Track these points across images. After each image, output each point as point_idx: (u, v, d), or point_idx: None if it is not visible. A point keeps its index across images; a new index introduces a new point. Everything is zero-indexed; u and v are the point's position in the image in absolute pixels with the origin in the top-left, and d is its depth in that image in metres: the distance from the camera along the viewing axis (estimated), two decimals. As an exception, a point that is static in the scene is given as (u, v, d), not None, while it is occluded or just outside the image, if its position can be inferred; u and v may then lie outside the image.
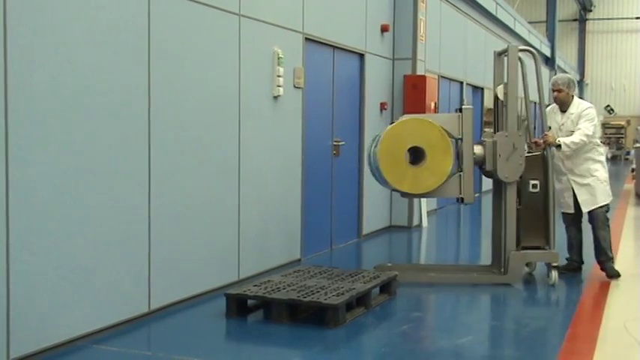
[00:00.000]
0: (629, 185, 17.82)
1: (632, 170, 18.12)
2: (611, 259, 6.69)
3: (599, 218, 6.62)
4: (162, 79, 5.21)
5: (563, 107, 6.73)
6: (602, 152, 6.80)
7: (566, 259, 6.96)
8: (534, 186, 6.44)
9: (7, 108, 3.95)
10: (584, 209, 6.65)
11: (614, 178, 22.59)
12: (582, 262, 6.96)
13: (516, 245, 6.46)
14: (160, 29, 5.16)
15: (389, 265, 6.62)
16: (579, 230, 6.94)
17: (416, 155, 6.20)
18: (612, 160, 34.21)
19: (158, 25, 5.15)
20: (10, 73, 3.96)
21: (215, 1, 5.80)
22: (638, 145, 16.70)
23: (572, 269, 6.93)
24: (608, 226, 6.71)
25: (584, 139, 6.47)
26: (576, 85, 6.17)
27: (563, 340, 4.78)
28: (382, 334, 5.01)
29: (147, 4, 5.04)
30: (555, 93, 6.68)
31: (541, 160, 6.48)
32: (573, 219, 6.86)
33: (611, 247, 6.70)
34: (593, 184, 6.60)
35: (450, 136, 6.26)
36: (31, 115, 4.11)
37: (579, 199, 6.65)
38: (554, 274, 6.39)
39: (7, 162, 3.97)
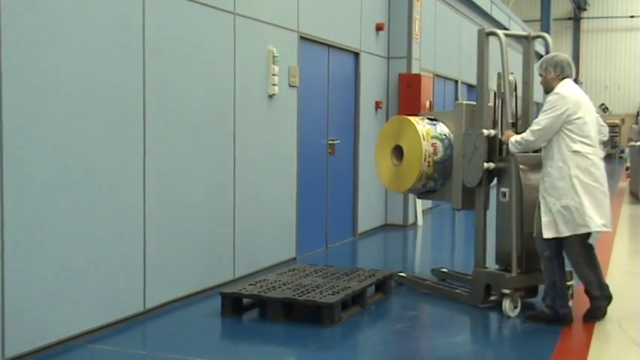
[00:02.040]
0: (624, 183, 17.88)
1: (627, 169, 18.16)
2: (597, 298, 5.14)
3: (570, 251, 5.07)
4: (158, 77, 5.20)
5: None
6: (588, 163, 4.94)
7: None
8: (503, 194, 5.47)
9: (1, 107, 3.94)
10: (544, 235, 5.03)
11: (609, 177, 22.57)
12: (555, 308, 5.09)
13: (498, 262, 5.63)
14: (155, 28, 5.15)
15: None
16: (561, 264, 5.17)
17: (401, 154, 6.06)
18: (607, 158, 34.30)
19: (153, 24, 5.14)
20: (5, 72, 3.95)
21: (210, 0, 5.79)
22: (632, 143, 16.73)
23: (544, 319, 5.08)
24: (586, 261, 5.10)
25: (529, 137, 5.05)
26: (564, 67, 5.10)
27: (557, 338, 4.79)
28: (377, 333, 5.01)
29: (142, 3, 5.03)
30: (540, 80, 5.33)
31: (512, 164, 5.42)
32: (552, 246, 5.08)
33: (598, 283, 5.14)
34: (552, 206, 4.97)
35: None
36: (25, 114, 4.10)
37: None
38: (507, 304, 5.24)
39: (2, 160, 3.96)
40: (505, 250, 5.47)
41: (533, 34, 6.01)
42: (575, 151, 4.91)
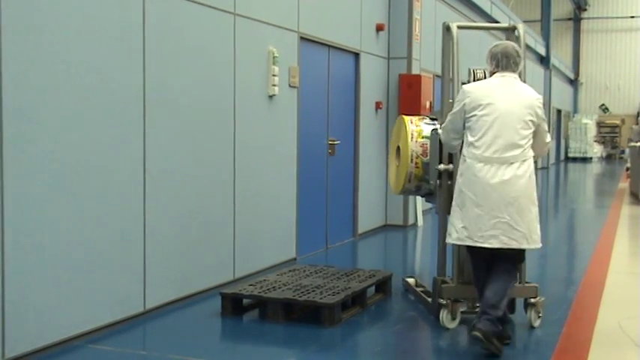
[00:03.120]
0: (624, 184, 17.87)
1: (627, 169, 18.16)
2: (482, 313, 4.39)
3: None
4: (158, 78, 5.20)
5: None
6: (472, 169, 4.37)
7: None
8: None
9: (2, 107, 3.94)
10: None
11: (609, 177, 22.78)
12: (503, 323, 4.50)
13: None
14: (155, 28, 5.15)
15: None
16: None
17: (399, 154, 5.89)
18: (607, 159, 34.33)
19: (153, 24, 5.14)
20: (5, 73, 3.95)
21: (210, 0, 5.79)
22: (632, 143, 16.73)
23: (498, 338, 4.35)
24: (475, 276, 4.67)
25: (441, 136, 4.77)
26: (499, 59, 4.55)
27: (558, 339, 4.79)
28: (377, 334, 5.01)
29: (142, 3, 5.03)
30: None
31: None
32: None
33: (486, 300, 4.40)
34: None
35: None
36: (25, 115, 4.10)
37: None
38: (443, 315, 4.87)
39: (2, 161, 3.96)
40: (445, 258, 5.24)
41: (512, 24, 5.52)
42: (464, 154, 4.47)
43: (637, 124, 27.52)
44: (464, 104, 4.46)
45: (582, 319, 5.35)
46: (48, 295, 4.29)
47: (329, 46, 8.07)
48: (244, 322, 5.17)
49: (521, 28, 5.31)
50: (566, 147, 33.11)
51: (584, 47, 37.17)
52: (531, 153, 4.42)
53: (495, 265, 4.50)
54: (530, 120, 4.40)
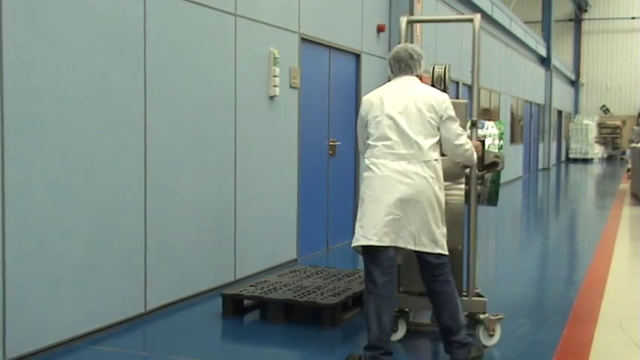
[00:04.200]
0: (625, 185, 17.87)
1: (628, 170, 18.16)
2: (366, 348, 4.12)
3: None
4: (158, 79, 5.20)
5: None
6: (369, 170, 4.20)
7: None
8: None
9: (2, 108, 3.94)
10: None
11: (610, 178, 22.77)
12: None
13: None
14: (155, 29, 5.16)
15: None
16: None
17: None
18: (608, 160, 34.32)
19: (154, 25, 5.14)
20: (6, 74, 3.95)
21: (211, 1, 5.79)
22: (633, 145, 16.74)
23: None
24: (369, 292, 4.15)
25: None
26: (392, 64, 4.44)
27: (559, 340, 4.79)
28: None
29: (143, 4, 5.04)
30: None
31: None
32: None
33: (374, 334, 4.09)
34: None
35: None
36: (26, 115, 4.10)
37: None
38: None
39: (3, 161, 3.96)
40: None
41: (468, 16, 5.10)
42: (367, 156, 4.29)
43: (638, 125, 27.54)
44: (361, 114, 4.36)
45: (583, 320, 5.35)
46: (49, 296, 4.29)
47: (330, 47, 8.07)
48: (245, 322, 5.17)
49: (477, 20, 4.84)
50: (567, 148, 33.11)
51: (585, 48, 37.18)
52: (436, 155, 4.19)
53: (427, 283, 4.25)
54: (430, 118, 4.18)
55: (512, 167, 19.43)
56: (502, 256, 8.58)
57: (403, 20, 5.13)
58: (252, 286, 5.43)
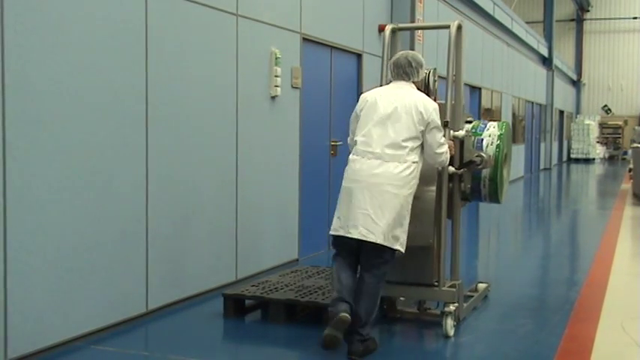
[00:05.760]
0: (627, 185, 17.85)
1: (630, 170, 18.14)
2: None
3: None
4: (160, 79, 5.21)
5: None
6: (350, 164, 4.60)
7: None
8: None
9: (4, 108, 3.94)
10: None
11: (612, 178, 22.74)
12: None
13: None
14: (157, 29, 5.16)
15: None
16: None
17: None
18: (610, 160, 34.30)
19: (156, 25, 5.14)
20: (8, 73, 3.96)
21: (213, 1, 5.80)
22: (635, 145, 16.73)
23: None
24: (337, 274, 4.46)
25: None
26: (390, 70, 4.77)
27: (560, 340, 4.79)
28: (378, 334, 5.00)
29: (144, 4, 5.04)
30: None
31: None
32: None
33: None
34: None
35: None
36: (28, 115, 4.10)
37: None
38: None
39: (5, 161, 3.96)
40: None
41: (449, 23, 5.23)
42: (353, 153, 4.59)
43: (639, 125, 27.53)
44: (356, 110, 4.66)
45: (585, 320, 5.34)
46: (50, 296, 4.29)
47: (331, 46, 8.07)
48: (246, 323, 5.17)
49: (454, 26, 5.11)
50: (569, 148, 33.08)
51: (587, 48, 37.15)
52: (415, 157, 4.46)
53: (361, 272, 4.46)
54: (416, 123, 4.45)
55: (514, 167, 19.42)
56: (503, 255, 8.58)
57: (388, 29, 5.38)
58: (253, 286, 5.43)
